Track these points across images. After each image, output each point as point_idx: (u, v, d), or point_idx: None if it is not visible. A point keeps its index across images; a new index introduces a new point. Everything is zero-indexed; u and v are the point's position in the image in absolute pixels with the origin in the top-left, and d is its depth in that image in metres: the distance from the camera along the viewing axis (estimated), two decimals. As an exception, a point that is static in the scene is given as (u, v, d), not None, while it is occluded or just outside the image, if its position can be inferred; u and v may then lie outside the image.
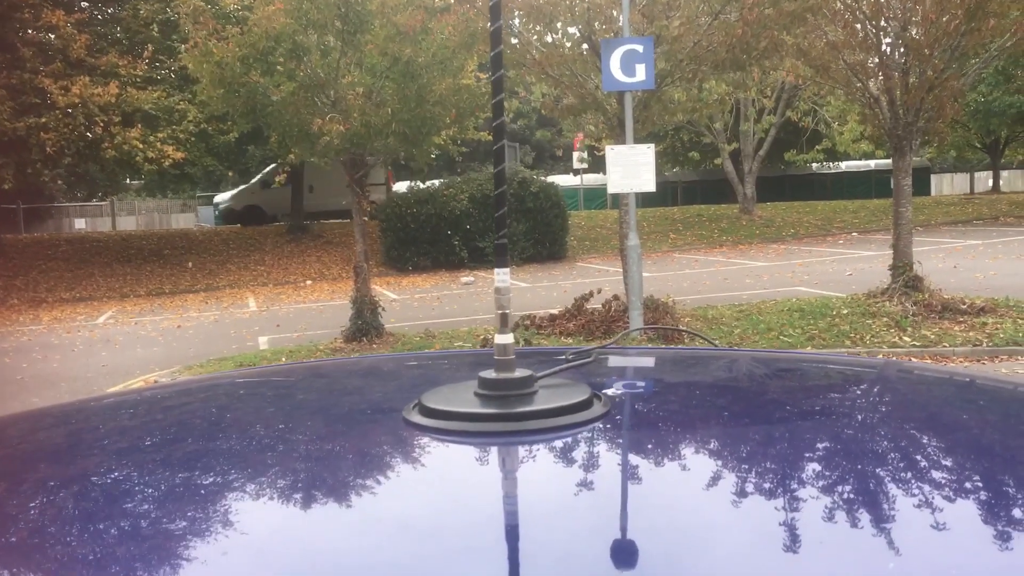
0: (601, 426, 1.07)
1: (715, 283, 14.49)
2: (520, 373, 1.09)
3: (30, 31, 17.71)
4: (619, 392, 1.30)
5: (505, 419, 1.04)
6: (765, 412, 1.26)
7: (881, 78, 9.95)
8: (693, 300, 11.73)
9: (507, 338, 1.10)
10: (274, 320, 13.77)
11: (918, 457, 1.02)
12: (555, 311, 10.20)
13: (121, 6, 20.42)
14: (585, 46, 10.18)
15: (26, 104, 16.96)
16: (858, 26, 9.63)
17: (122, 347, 11.94)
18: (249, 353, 10.31)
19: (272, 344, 11.12)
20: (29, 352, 11.97)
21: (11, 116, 16.53)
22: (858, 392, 1.42)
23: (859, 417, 1.22)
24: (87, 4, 20.07)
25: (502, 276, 1.13)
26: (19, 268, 20.97)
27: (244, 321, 13.94)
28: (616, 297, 9.90)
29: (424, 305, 14.39)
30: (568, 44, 10.64)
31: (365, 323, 10.04)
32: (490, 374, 1.09)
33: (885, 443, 1.08)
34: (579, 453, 1.01)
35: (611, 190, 9.28)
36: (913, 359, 8.27)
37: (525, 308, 11.08)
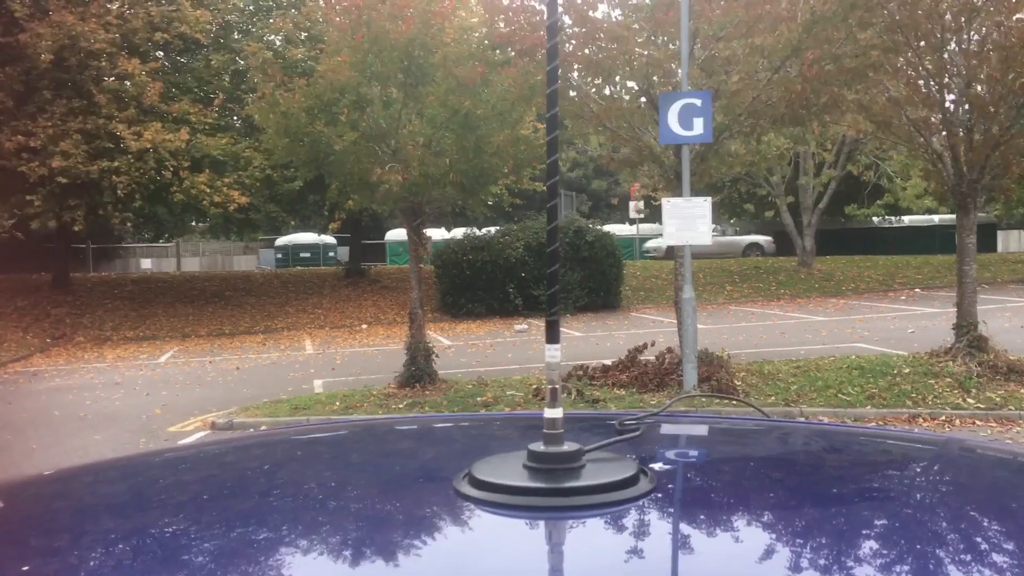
0: (647, 504, 1.07)
1: (772, 337, 14.29)
2: (568, 447, 1.11)
3: (106, 78, 18.45)
4: (667, 467, 1.31)
5: (552, 494, 1.05)
6: (817, 493, 1.25)
7: (944, 135, 9.82)
8: (749, 354, 11.58)
9: (556, 412, 1.12)
10: (329, 363, 13.93)
11: (975, 546, 1.00)
12: (608, 362, 10.15)
13: (194, 56, 21.18)
14: (643, 99, 10.26)
15: (100, 148, 17.62)
16: (921, 83, 9.54)
17: (182, 386, 12.18)
18: (304, 396, 10.43)
19: (327, 387, 11.24)
20: (93, 389, 12.27)
21: (85, 159, 17.17)
22: (918, 472, 1.39)
23: (917, 500, 1.20)
24: (161, 54, 20.85)
25: (552, 352, 1.15)
26: (86, 306, 21.60)
27: (300, 363, 14.13)
28: (670, 350, 9.82)
29: (477, 352, 14.43)
30: (626, 97, 10.74)
31: (419, 369, 10.10)
32: (539, 447, 1.11)
33: (945, 531, 1.06)
34: (624, 531, 1.02)
35: (667, 242, 9.27)
36: (977, 422, 8.03)
37: (578, 358, 11.05)
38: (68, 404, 11.08)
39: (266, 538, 1.05)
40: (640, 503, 1.07)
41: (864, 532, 1.02)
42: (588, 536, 1.01)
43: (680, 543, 1.00)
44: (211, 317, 21.21)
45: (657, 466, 1.28)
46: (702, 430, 1.73)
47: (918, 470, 1.41)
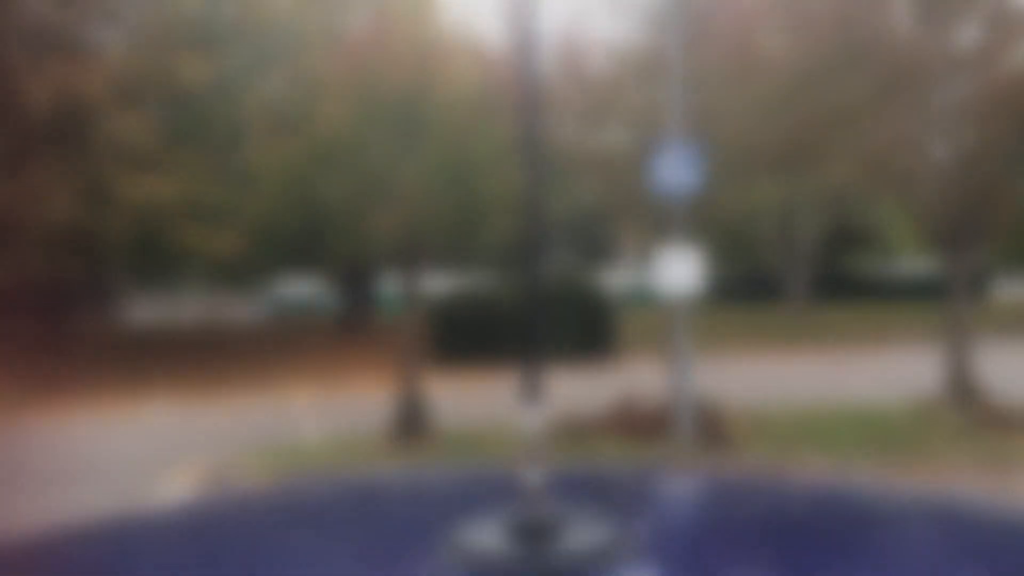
0: (632, 567, 1.04)
1: (764, 385, 14.24)
2: (550, 510, 1.08)
3: (103, 129, 18.56)
4: (655, 525, 1.27)
5: (533, 561, 1.02)
6: (810, 551, 1.21)
7: (934, 181, 9.91)
8: (741, 402, 11.52)
9: (537, 476, 1.09)
10: (321, 413, 13.82)
11: None
12: (600, 411, 10.09)
13: (192, 105, 21.35)
14: (634, 148, 10.35)
15: (94, 198, 17.67)
16: (909, 131, 9.65)
17: (172, 439, 12.07)
18: (295, 448, 10.33)
19: (319, 439, 11.13)
20: (81, 441, 12.15)
21: (78, 209, 17.22)
22: (917, 528, 1.36)
23: (916, 557, 1.17)
24: (158, 103, 21.01)
25: (532, 415, 1.12)
26: (78, 355, 21.49)
27: (293, 414, 14.02)
28: (664, 399, 9.77)
29: (473, 402, 14.34)
30: (618, 145, 10.84)
31: (412, 420, 10.03)
32: (521, 511, 1.08)
33: None
34: None
35: (658, 291, 9.28)
36: (973, 472, 7.96)
37: (569, 407, 10.98)
38: (51, 458, 10.95)
39: None
40: (625, 566, 1.03)
41: None
42: None
43: None
44: (204, 367, 21.10)
45: (645, 524, 1.25)
46: (691, 485, 1.69)
47: (918, 525, 1.37)
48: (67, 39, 18.06)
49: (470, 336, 19.93)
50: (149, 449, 10.99)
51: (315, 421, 12.86)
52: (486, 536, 1.09)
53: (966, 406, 9.32)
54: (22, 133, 17.88)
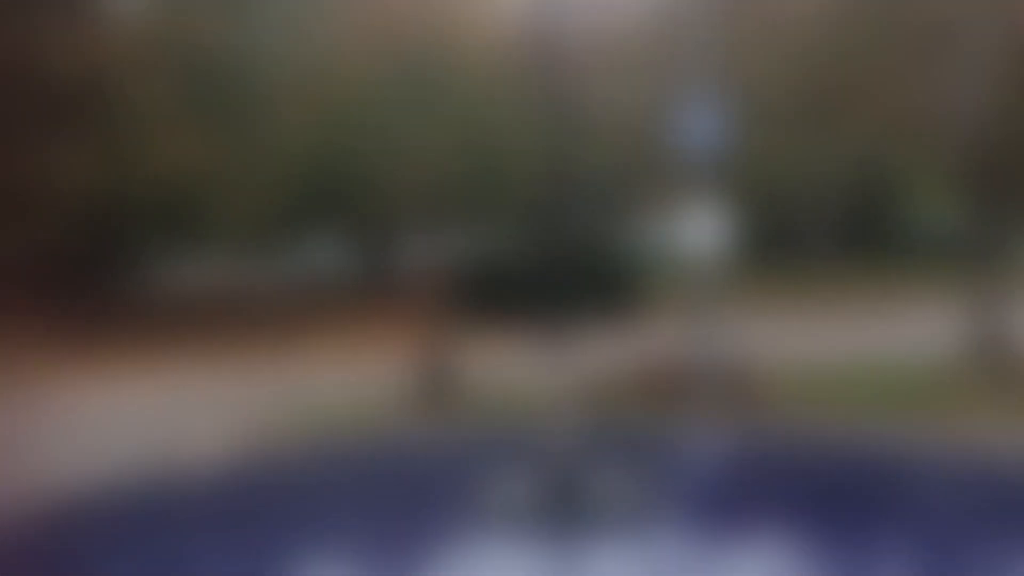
0: (656, 523, 1.04)
1: (790, 342, 14.14)
2: (575, 471, 1.08)
3: (127, 94, 18.58)
4: (678, 485, 1.26)
5: (559, 521, 1.02)
6: (834, 514, 1.20)
7: (967, 135, 9.74)
8: (766, 360, 11.47)
9: (562, 437, 1.08)
10: (346, 384, 13.86)
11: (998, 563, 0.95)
12: (625, 372, 10.09)
13: (211, 70, 21.30)
14: (659, 103, 10.23)
15: (117, 165, 17.74)
16: (941, 84, 9.49)
17: (197, 402, 12.18)
18: (321, 411, 10.40)
19: (344, 403, 11.19)
20: (93, 415, 12.24)
21: (102, 177, 17.31)
22: (946, 487, 1.34)
23: (945, 518, 1.15)
24: (181, 66, 20.97)
25: (557, 377, 1.11)
26: (98, 328, 21.68)
27: (315, 384, 14.09)
28: (689, 357, 9.76)
29: (502, 367, 14.33)
30: (641, 100, 10.72)
31: (441, 383, 10.06)
32: (547, 471, 1.08)
33: (969, 548, 1.01)
34: (633, 553, 0.98)
35: (682, 247, 9.24)
36: (1004, 429, 7.89)
37: (593, 368, 10.97)
38: (71, 434, 11.07)
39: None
40: (650, 525, 1.03)
41: (888, 558, 0.97)
42: (598, 561, 0.97)
43: (690, 563, 0.97)
44: (231, 332, 21.22)
45: (670, 484, 1.24)
46: (717, 445, 1.68)
47: (944, 484, 1.36)
48: (86, 4, 18.04)
49: (496, 297, 19.89)
50: (177, 414, 11.08)
51: (342, 385, 12.93)
52: (514, 496, 1.09)
53: (999, 364, 9.24)
54: (42, 101, 17.94)
